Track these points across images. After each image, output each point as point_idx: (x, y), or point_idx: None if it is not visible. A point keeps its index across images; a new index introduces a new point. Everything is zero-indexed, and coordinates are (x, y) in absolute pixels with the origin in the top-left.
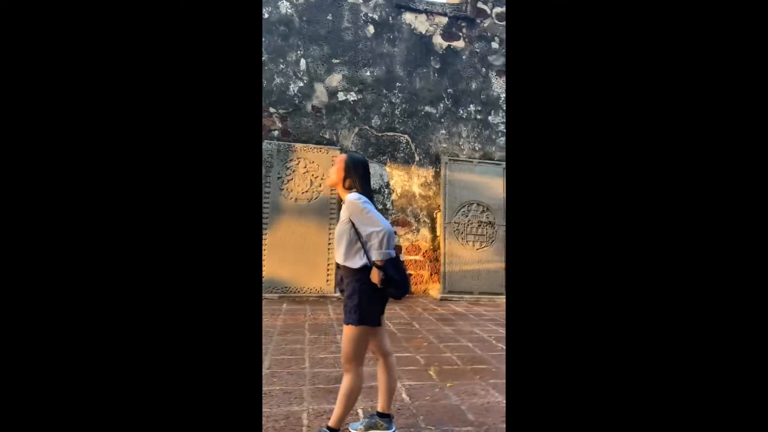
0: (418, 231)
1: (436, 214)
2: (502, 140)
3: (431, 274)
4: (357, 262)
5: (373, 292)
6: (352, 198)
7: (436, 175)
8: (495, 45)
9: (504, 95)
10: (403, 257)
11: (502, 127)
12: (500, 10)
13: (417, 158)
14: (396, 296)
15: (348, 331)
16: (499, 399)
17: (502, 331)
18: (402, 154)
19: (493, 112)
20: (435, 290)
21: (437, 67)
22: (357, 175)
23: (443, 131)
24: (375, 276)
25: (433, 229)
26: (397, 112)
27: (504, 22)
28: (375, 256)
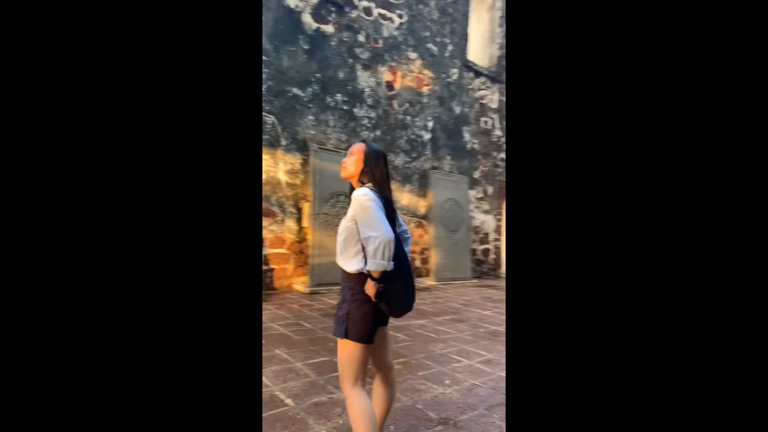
0: (283, 222)
1: (303, 204)
2: (365, 134)
3: (296, 268)
4: (352, 264)
5: (366, 304)
6: (357, 193)
7: (304, 162)
8: (361, 38)
9: (368, 89)
10: (267, 250)
11: (366, 122)
12: (367, 4)
13: (284, 142)
14: (393, 314)
15: (339, 346)
16: (441, 390)
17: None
18: (267, 136)
19: (358, 104)
20: (301, 284)
21: (306, 48)
22: (376, 169)
23: (311, 117)
24: (369, 288)
25: (299, 220)
26: (263, 88)
27: (370, 17)
28: (369, 265)
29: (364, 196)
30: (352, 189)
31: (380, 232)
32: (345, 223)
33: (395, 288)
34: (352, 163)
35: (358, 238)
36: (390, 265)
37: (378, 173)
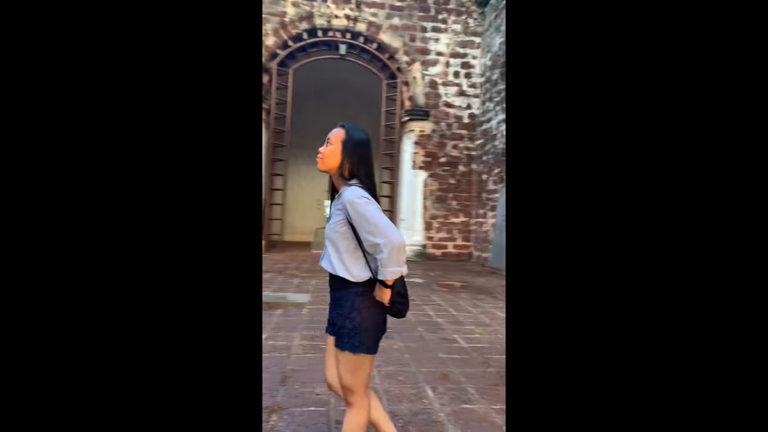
0: None
1: None
2: None
3: None
4: (360, 273)
5: (378, 312)
6: (351, 197)
7: None
8: None
9: None
10: None
11: None
12: None
13: None
14: (402, 315)
15: (348, 360)
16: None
17: None
18: None
19: None
20: None
21: None
22: (359, 159)
23: None
24: (384, 296)
25: None
26: None
27: None
28: (384, 275)
29: (359, 200)
30: (332, 184)
31: (389, 237)
32: (337, 228)
33: (402, 286)
34: (330, 153)
35: (356, 244)
36: (405, 270)
37: (362, 166)
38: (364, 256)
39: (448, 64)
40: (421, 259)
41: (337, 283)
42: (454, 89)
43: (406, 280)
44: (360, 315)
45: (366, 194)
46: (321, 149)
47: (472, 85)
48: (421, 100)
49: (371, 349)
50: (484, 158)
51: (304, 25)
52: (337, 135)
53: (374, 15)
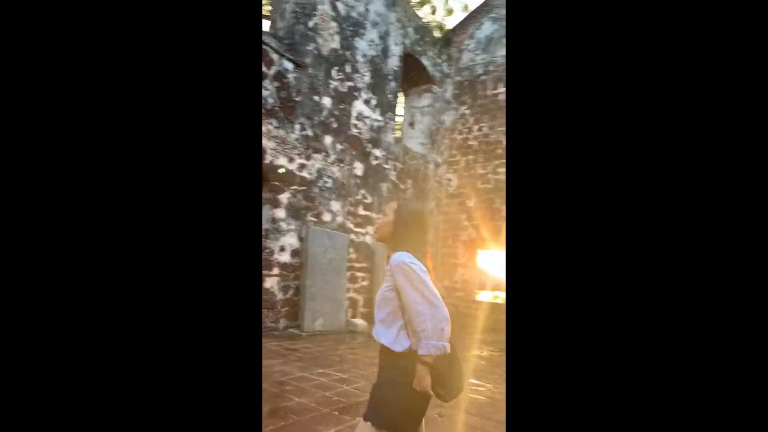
0: None
1: None
2: None
3: None
4: (400, 343)
5: (412, 390)
6: (400, 261)
7: None
8: None
9: None
10: None
11: None
12: None
13: None
14: (446, 398)
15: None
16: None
17: None
18: None
19: None
20: None
21: None
22: (410, 232)
23: None
24: (421, 379)
25: None
26: None
27: None
28: (423, 349)
29: (405, 264)
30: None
31: (435, 308)
32: (386, 294)
33: (448, 366)
34: (384, 223)
35: (399, 311)
36: (447, 347)
37: (413, 237)
38: (407, 326)
39: None
40: None
41: (382, 353)
42: None
43: None
44: (389, 389)
45: (415, 260)
46: (379, 220)
47: None
48: None
49: (391, 428)
50: None
51: None
52: (391, 206)
53: None
